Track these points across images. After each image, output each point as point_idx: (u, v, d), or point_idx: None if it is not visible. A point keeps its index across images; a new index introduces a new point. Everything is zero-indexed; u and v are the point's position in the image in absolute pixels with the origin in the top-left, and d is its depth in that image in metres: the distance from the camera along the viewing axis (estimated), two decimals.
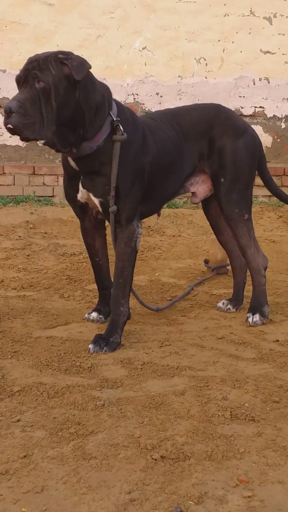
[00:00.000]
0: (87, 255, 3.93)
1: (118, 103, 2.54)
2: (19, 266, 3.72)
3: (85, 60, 2.31)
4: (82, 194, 2.54)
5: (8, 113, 2.18)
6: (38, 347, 2.42)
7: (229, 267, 3.60)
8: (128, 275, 2.51)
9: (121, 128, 2.41)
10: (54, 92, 2.22)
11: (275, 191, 3.04)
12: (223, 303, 2.95)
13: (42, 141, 2.28)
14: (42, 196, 5.23)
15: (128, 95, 5.57)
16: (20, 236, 4.29)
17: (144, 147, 2.55)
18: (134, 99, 5.58)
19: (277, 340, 2.54)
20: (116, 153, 2.40)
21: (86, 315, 2.78)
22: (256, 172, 2.88)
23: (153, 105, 5.62)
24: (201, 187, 2.85)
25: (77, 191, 2.55)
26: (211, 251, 3.71)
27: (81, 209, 2.64)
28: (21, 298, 3.10)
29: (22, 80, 2.25)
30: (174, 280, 3.52)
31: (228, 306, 2.93)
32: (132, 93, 5.58)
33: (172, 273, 3.67)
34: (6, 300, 3.03)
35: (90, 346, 2.39)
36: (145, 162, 2.54)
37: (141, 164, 2.52)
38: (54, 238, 4.35)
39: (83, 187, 2.52)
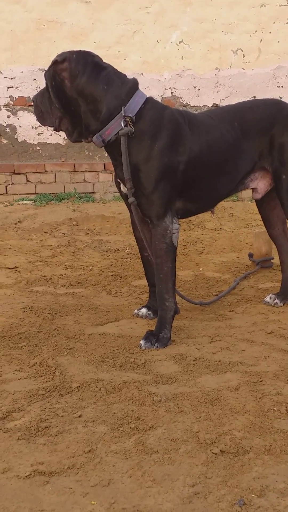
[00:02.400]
0: (131, 250, 4.02)
1: (150, 100, 2.56)
2: (66, 263, 3.81)
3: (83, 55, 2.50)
4: (122, 185, 2.62)
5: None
6: (91, 343, 2.50)
7: (273, 261, 3.63)
8: (169, 270, 2.54)
9: (130, 124, 2.45)
10: (50, 86, 2.51)
11: None
12: (271, 298, 2.97)
13: (52, 128, 2.60)
14: (83, 193, 5.32)
15: (166, 89, 5.60)
16: (64, 234, 4.38)
17: (178, 146, 2.55)
18: (171, 93, 5.60)
19: None
20: (123, 148, 2.45)
21: (136, 311, 2.84)
22: None
23: (190, 99, 5.63)
24: (261, 182, 2.86)
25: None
26: (255, 245, 3.72)
27: (126, 200, 2.69)
28: (70, 295, 3.18)
29: None
30: (218, 274, 3.55)
31: (275, 301, 2.95)
32: (170, 87, 5.60)
33: (216, 267, 3.70)
34: (56, 297, 3.12)
35: (142, 342, 2.45)
36: (177, 161, 2.53)
37: (170, 163, 2.51)
38: (97, 234, 4.43)
39: (118, 177, 2.62)
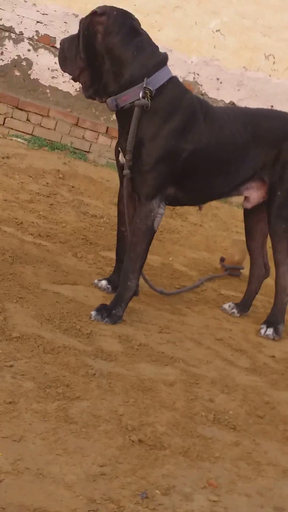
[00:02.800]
0: (108, 220, 3.97)
1: (173, 80, 2.50)
2: (41, 213, 3.73)
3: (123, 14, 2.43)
4: (121, 154, 2.56)
5: None
6: (43, 299, 2.45)
7: (242, 271, 3.63)
8: (141, 251, 2.51)
9: (149, 97, 2.37)
10: (81, 34, 2.43)
11: None
12: (229, 306, 2.96)
13: (71, 76, 2.55)
14: (78, 149, 5.21)
15: (189, 73, 5.50)
16: (47, 183, 4.29)
17: (188, 133, 2.49)
18: (193, 78, 5.51)
19: (273, 356, 2.56)
20: (134, 118, 2.38)
21: (96, 281, 2.80)
22: None
23: (210, 89, 5.55)
24: (255, 193, 2.83)
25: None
26: (230, 251, 3.71)
27: (120, 171, 2.63)
28: (36, 245, 3.11)
29: None
30: (186, 269, 3.53)
31: (233, 310, 2.95)
32: (194, 72, 5.51)
33: (186, 261, 3.69)
34: (22, 243, 3.05)
35: (93, 313, 2.42)
36: (182, 147, 2.47)
37: (175, 147, 2.45)
38: (80, 194, 4.35)
39: (120, 146, 2.55)
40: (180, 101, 2.47)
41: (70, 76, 2.55)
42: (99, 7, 2.43)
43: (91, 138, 5.29)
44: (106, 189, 4.55)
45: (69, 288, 2.68)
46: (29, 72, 5.36)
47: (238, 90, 5.56)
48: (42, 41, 5.33)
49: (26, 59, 5.35)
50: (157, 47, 2.50)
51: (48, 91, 5.41)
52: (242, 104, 5.44)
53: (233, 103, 5.53)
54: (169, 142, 2.43)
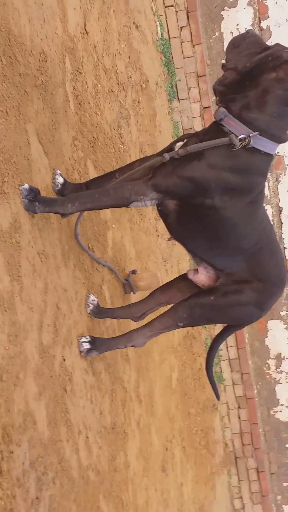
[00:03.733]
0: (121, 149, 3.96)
1: (269, 157, 2.48)
2: None
3: None
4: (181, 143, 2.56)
5: None
6: None
7: (133, 295, 3.73)
8: (100, 203, 2.49)
9: (242, 144, 2.36)
10: (264, 57, 2.35)
11: None
12: (94, 300, 3.00)
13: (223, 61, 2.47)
14: None
15: None
16: None
17: (230, 195, 2.46)
18: None
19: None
20: (218, 141, 2.36)
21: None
22: None
23: None
24: (205, 277, 2.85)
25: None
26: (144, 274, 3.80)
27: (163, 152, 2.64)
28: None
29: None
30: (111, 243, 3.58)
31: (93, 304, 2.96)
32: None
33: (119, 241, 3.74)
34: None
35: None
36: (214, 196, 2.45)
37: (211, 189, 2.43)
38: None
39: (184, 138, 2.57)
40: (251, 174, 2.47)
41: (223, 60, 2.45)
42: None
43: None
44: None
45: None
46: None
47: None
48: None
49: None
50: None
51: None
52: None
53: None
54: (212, 181, 2.42)
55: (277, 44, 2.41)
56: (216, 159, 2.40)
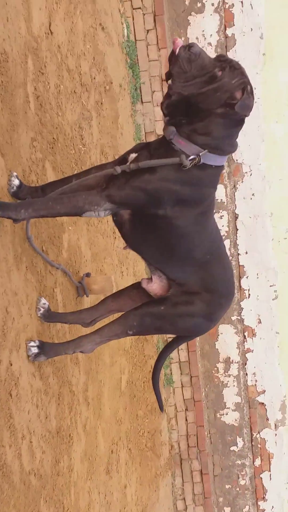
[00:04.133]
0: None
1: (219, 169, 2.54)
2: None
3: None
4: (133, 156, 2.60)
5: None
6: None
7: (86, 299, 3.72)
8: (54, 210, 2.50)
9: (188, 162, 2.41)
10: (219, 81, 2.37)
11: None
12: (45, 303, 2.98)
13: (168, 81, 2.43)
14: None
15: None
16: None
17: (182, 206, 2.52)
18: None
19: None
20: (170, 161, 2.41)
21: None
22: None
23: None
24: (158, 286, 2.87)
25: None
26: (98, 278, 3.80)
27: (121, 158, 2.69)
28: None
29: None
30: (67, 245, 3.57)
31: (43, 308, 2.95)
32: None
33: (74, 242, 3.73)
34: None
35: None
36: (166, 207, 2.51)
37: (163, 200, 2.48)
38: None
39: (135, 151, 2.60)
40: (202, 187, 2.53)
41: (167, 80, 2.42)
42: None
43: None
44: None
45: None
46: None
47: None
48: None
49: None
50: (236, 138, 2.57)
51: None
52: None
53: None
54: (164, 193, 2.47)
55: (222, 62, 2.40)
56: (168, 174, 2.46)
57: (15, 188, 2.69)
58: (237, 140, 2.58)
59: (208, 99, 2.37)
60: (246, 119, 2.49)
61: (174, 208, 2.51)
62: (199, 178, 2.49)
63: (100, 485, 3.91)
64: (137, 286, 3.04)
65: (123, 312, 2.97)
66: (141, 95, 5.75)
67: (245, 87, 2.41)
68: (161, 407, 3.26)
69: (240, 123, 2.49)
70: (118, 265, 4.81)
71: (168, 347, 3.18)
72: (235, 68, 2.41)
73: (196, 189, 2.51)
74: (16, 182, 2.70)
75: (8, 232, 2.64)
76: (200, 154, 2.42)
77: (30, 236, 2.87)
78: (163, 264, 2.82)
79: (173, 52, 2.40)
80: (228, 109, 2.40)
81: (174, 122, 2.47)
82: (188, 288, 2.82)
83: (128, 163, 2.51)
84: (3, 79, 2.66)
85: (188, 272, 2.80)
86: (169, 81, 2.42)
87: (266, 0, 5.82)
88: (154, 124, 5.83)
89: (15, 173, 2.72)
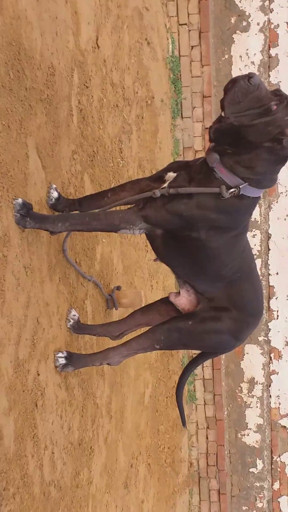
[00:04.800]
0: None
1: (255, 200, 2.54)
2: None
3: None
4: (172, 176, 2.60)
5: None
6: None
7: (115, 311, 3.73)
8: (90, 226, 2.53)
9: (232, 194, 2.42)
10: (270, 120, 2.35)
11: None
12: (75, 315, 3.01)
13: (221, 120, 2.40)
14: None
15: None
16: None
17: (216, 233, 2.53)
18: None
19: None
20: (208, 189, 2.42)
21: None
22: None
23: None
24: (188, 300, 2.88)
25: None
26: (127, 291, 3.81)
27: (156, 176, 2.71)
28: None
29: None
30: (100, 258, 3.60)
31: (73, 319, 2.98)
32: None
33: (107, 255, 3.76)
34: None
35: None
36: (201, 231, 2.51)
37: (198, 226, 2.49)
38: None
39: (178, 174, 2.59)
40: (237, 215, 2.54)
41: (223, 120, 2.37)
42: None
43: None
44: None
45: None
46: None
47: None
48: None
49: None
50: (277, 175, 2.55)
51: None
52: None
53: None
54: (199, 219, 2.49)
55: (278, 97, 2.37)
56: (205, 201, 2.46)
57: (53, 200, 2.73)
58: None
59: (258, 132, 2.35)
60: None
61: (209, 232, 2.53)
62: (235, 207, 2.49)
63: (118, 499, 3.90)
64: (165, 301, 3.05)
65: (151, 326, 2.97)
66: (181, 111, 5.77)
67: None
68: (183, 422, 3.24)
69: (283, 161, 2.46)
70: (148, 278, 4.81)
71: (193, 363, 3.17)
72: None
73: (232, 217, 2.52)
74: (55, 194, 2.74)
75: (44, 243, 2.67)
76: (241, 186, 2.43)
77: (66, 249, 2.91)
78: (193, 279, 2.83)
79: (232, 81, 2.36)
80: (276, 144, 2.36)
81: (219, 150, 2.45)
82: (217, 303, 2.82)
83: (167, 186, 2.52)
84: (49, 93, 2.70)
85: (217, 288, 2.80)
86: (222, 112, 2.38)
87: None
88: (193, 139, 5.84)
89: (54, 186, 2.76)
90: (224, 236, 2.58)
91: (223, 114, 2.37)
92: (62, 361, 2.80)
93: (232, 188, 2.43)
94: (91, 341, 3.29)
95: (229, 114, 2.34)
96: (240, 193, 2.44)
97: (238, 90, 2.30)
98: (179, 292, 2.96)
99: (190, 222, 2.49)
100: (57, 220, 2.51)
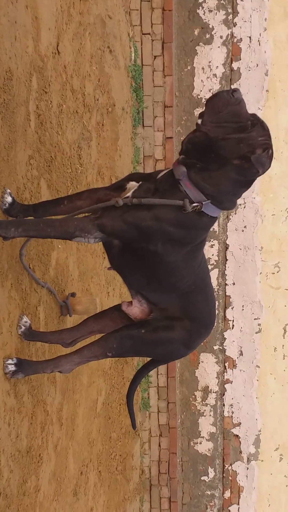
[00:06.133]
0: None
1: (213, 219, 2.57)
2: None
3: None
4: (134, 186, 2.62)
5: None
6: None
7: (69, 318, 3.71)
8: (44, 232, 2.51)
9: (194, 209, 2.45)
10: (243, 141, 2.39)
11: None
12: (26, 321, 2.98)
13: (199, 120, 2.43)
14: None
15: None
16: None
17: (173, 245, 2.56)
18: None
19: None
20: (170, 202, 2.43)
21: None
22: None
23: None
24: (138, 310, 2.90)
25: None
26: (82, 298, 3.80)
27: (115, 187, 2.73)
28: None
29: None
30: (54, 263, 3.58)
31: (24, 326, 2.93)
32: None
33: (63, 261, 3.74)
34: None
35: None
36: (158, 244, 2.53)
37: (157, 239, 2.51)
38: None
39: (141, 184, 2.60)
40: (195, 230, 2.57)
41: (199, 118, 2.43)
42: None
43: None
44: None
45: None
46: None
47: None
48: None
49: None
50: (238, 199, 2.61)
51: None
52: None
53: None
54: (157, 232, 2.50)
55: (255, 119, 2.41)
56: (165, 214, 2.48)
57: (7, 205, 2.70)
58: None
59: (229, 147, 2.37)
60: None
61: (165, 245, 2.54)
62: (194, 223, 2.51)
63: (66, 506, 3.87)
64: (118, 308, 3.05)
65: (103, 334, 2.97)
66: (143, 119, 5.80)
67: (268, 148, 2.41)
68: (133, 425, 3.25)
69: (248, 184, 2.51)
70: (104, 285, 4.81)
71: (145, 368, 3.19)
72: (265, 130, 2.43)
73: (189, 232, 2.54)
74: (9, 199, 2.71)
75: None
76: (204, 202, 2.45)
77: (23, 253, 2.89)
78: (147, 290, 2.84)
79: (216, 93, 2.40)
80: (244, 161, 2.39)
81: (188, 163, 2.47)
82: (170, 313, 2.85)
83: (130, 195, 2.53)
84: (6, 97, 2.69)
85: (171, 299, 2.83)
86: (199, 120, 2.42)
87: (274, 40, 5.91)
88: (154, 148, 5.88)
89: (8, 190, 2.73)
90: (181, 250, 2.61)
91: (199, 122, 2.40)
92: (11, 367, 2.77)
93: (194, 203, 2.45)
94: (43, 348, 3.27)
95: (207, 122, 2.37)
96: (202, 209, 2.46)
97: (220, 100, 2.34)
98: (131, 302, 2.97)
99: (147, 234, 2.50)
100: (10, 225, 2.48)
